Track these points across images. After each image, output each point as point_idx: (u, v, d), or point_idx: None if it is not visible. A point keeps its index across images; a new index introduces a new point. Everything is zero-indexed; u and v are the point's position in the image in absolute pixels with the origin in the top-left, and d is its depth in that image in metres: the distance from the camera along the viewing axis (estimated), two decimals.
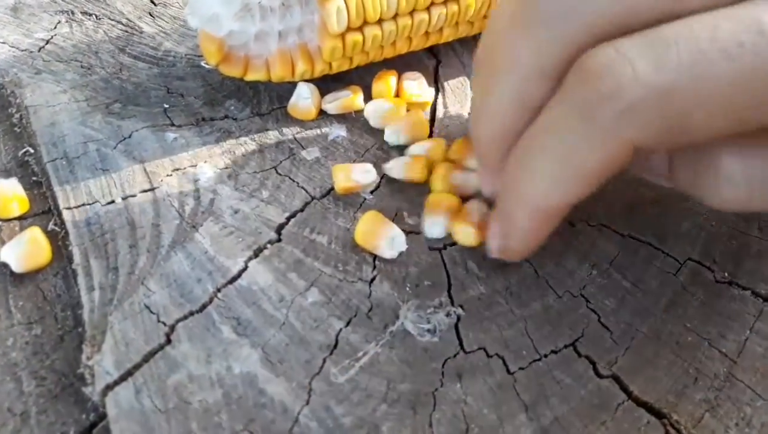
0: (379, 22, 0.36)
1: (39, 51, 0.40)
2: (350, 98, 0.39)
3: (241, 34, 0.35)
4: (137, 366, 0.29)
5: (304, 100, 0.38)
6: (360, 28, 0.36)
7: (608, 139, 0.23)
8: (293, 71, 0.37)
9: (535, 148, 0.25)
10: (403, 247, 0.33)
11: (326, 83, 0.40)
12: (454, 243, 0.34)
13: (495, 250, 0.31)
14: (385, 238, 0.33)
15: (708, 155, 0.25)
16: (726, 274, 0.34)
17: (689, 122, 0.22)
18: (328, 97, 0.39)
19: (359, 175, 0.35)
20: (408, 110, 0.39)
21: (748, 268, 0.34)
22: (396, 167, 0.36)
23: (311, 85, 0.39)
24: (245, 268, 0.32)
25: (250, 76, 0.36)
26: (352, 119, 0.39)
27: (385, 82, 0.39)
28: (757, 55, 0.21)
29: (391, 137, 0.37)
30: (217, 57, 0.35)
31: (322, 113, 0.39)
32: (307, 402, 0.28)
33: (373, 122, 0.38)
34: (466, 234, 0.33)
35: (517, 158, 0.26)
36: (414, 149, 0.37)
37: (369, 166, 0.35)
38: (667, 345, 0.31)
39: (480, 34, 0.42)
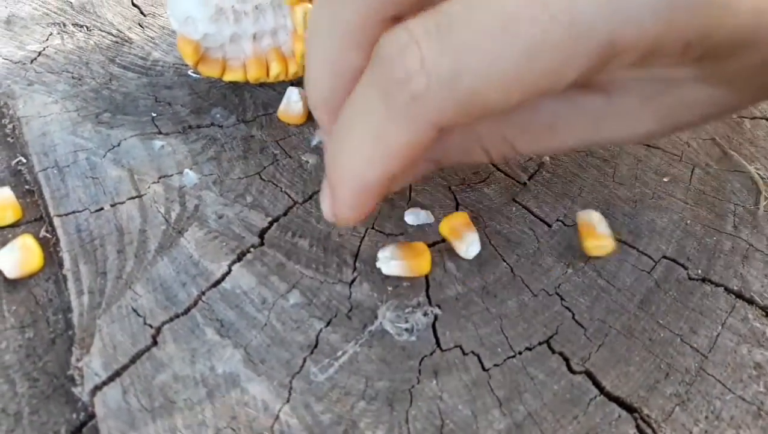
0: None
1: (31, 63, 0.41)
2: None
3: (217, 37, 0.37)
4: (124, 367, 0.30)
5: (294, 104, 0.39)
6: None
7: (409, 121, 0.23)
8: (268, 72, 0.38)
9: (347, 124, 0.25)
10: (477, 252, 0.34)
11: None
12: (434, 243, 0.35)
13: (326, 215, 0.30)
14: (465, 240, 0.34)
15: None
16: (699, 271, 0.35)
17: (484, 99, 0.22)
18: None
19: None
20: None
21: (722, 264, 0.35)
22: None
23: (301, 89, 0.40)
24: (229, 272, 0.33)
25: (228, 77, 0.38)
26: None
27: None
28: (537, 27, 0.20)
29: None
30: (194, 58, 0.36)
31: (310, 116, 0.40)
32: (288, 400, 0.29)
33: None
34: None
35: (336, 130, 0.26)
36: None
37: None
38: (639, 341, 0.32)
39: None
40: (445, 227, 0.34)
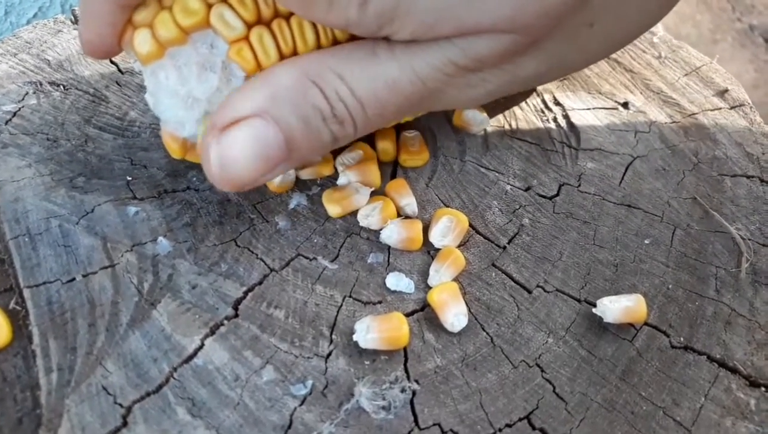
0: None
1: (6, 124, 0.41)
2: (321, 164, 0.40)
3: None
4: None
5: (288, 177, 0.39)
6: None
7: None
8: None
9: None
10: (463, 325, 0.34)
11: None
12: (413, 312, 0.35)
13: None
14: (452, 313, 0.33)
15: None
16: (681, 338, 0.34)
17: None
18: None
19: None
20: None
21: (704, 331, 0.35)
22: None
23: None
24: (201, 346, 0.32)
25: None
26: (315, 186, 0.40)
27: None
28: None
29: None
30: (181, 153, 0.36)
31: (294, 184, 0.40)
32: None
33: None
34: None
35: None
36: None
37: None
38: (621, 415, 0.31)
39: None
40: (434, 298, 0.34)
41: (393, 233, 0.36)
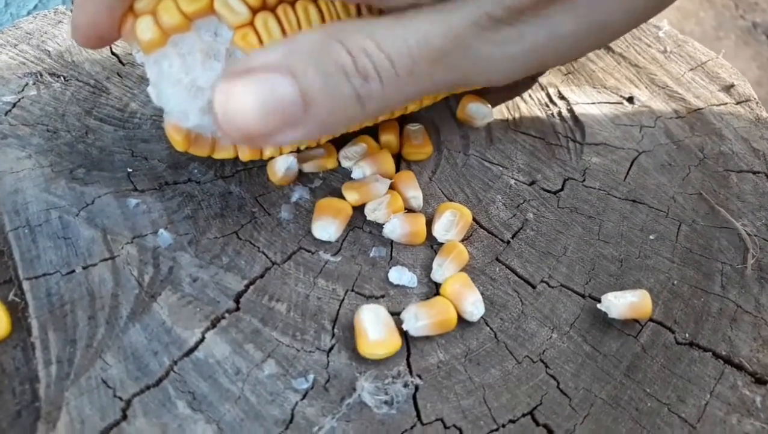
0: None
1: (6, 115, 0.40)
2: (324, 157, 0.39)
3: (207, 126, 0.35)
4: None
5: (286, 169, 0.38)
6: None
7: None
8: (261, 154, 0.37)
9: None
10: (482, 312, 0.33)
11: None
12: None
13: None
14: (469, 302, 0.33)
15: None
16: (687, 335, 0.34)
17: None
18: (300, 156, 0.39)
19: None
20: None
21: (709, 327, 0.34)
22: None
23: (294, 158, 0.38)
24: (202, 339, 0.32)
25: (218, 155, 0.36)
26: (318, 178, 0.39)
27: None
28: None
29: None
30: (184, 145, 0.35)
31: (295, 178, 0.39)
32: None
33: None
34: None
35: None
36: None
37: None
38: (626, 411, 0.31)
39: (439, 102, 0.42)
40: (447, 289, 0.34)
41: (396, 228, 0.36)
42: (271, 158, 0.38)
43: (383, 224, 0.36)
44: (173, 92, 0.33)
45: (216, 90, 0.28)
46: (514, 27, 0.31)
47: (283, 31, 0.32)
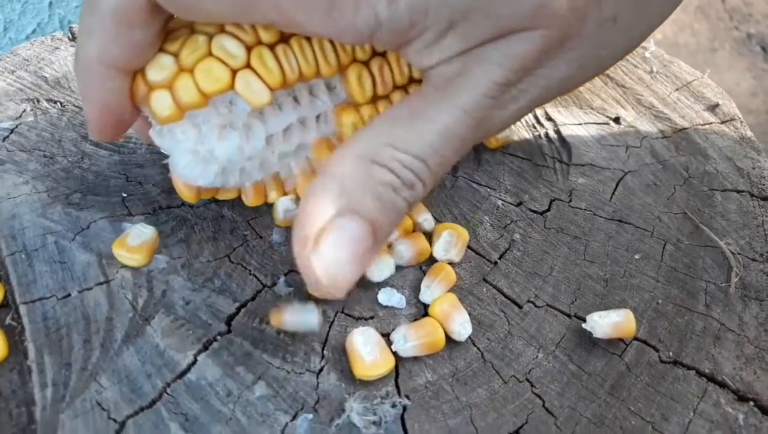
0: None
1: (3, 141, 0.41)
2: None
3: (218, 184, 0.36)
4: None
5: (284, 211, 0.38)
6: None
7: None
8: (266, 197, 0.38)
9: None
10: (469, 332, 0.34)
11: None
12: None
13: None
14: (458, 322, 0.34)
15: None
16: (671, 353, 0.34)
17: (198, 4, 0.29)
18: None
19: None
20: None
21: (693, 346, 0.35)
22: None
23: (291, 201, 0.39)
24: (194, 362, 0.33)
25: (222, 196, 0.37)
26: None
27: None
28: None
29: None
30: (195, 198, 0.36)
31: None
32: None
33: None
34: None
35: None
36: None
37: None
38: (610, 429, 0.32)
39: None
40: (436, 310, 0.35)
41: (406, 252, 0.37)
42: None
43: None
44: (188, 161, 0.33)
45: (311, 263, 0.29)
46: (516, 86, 0.31)
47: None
